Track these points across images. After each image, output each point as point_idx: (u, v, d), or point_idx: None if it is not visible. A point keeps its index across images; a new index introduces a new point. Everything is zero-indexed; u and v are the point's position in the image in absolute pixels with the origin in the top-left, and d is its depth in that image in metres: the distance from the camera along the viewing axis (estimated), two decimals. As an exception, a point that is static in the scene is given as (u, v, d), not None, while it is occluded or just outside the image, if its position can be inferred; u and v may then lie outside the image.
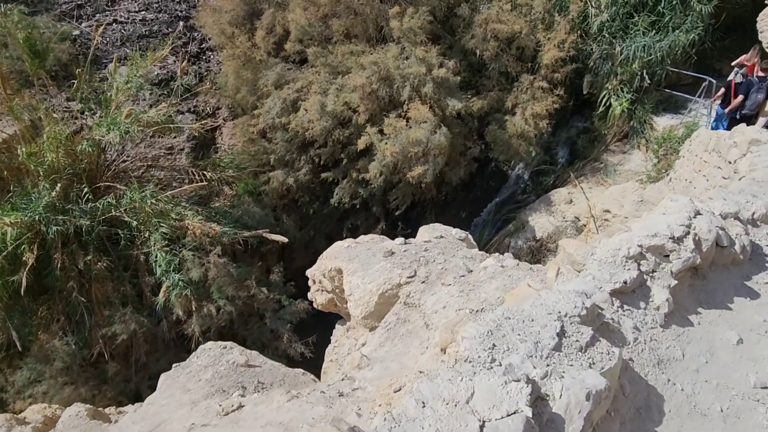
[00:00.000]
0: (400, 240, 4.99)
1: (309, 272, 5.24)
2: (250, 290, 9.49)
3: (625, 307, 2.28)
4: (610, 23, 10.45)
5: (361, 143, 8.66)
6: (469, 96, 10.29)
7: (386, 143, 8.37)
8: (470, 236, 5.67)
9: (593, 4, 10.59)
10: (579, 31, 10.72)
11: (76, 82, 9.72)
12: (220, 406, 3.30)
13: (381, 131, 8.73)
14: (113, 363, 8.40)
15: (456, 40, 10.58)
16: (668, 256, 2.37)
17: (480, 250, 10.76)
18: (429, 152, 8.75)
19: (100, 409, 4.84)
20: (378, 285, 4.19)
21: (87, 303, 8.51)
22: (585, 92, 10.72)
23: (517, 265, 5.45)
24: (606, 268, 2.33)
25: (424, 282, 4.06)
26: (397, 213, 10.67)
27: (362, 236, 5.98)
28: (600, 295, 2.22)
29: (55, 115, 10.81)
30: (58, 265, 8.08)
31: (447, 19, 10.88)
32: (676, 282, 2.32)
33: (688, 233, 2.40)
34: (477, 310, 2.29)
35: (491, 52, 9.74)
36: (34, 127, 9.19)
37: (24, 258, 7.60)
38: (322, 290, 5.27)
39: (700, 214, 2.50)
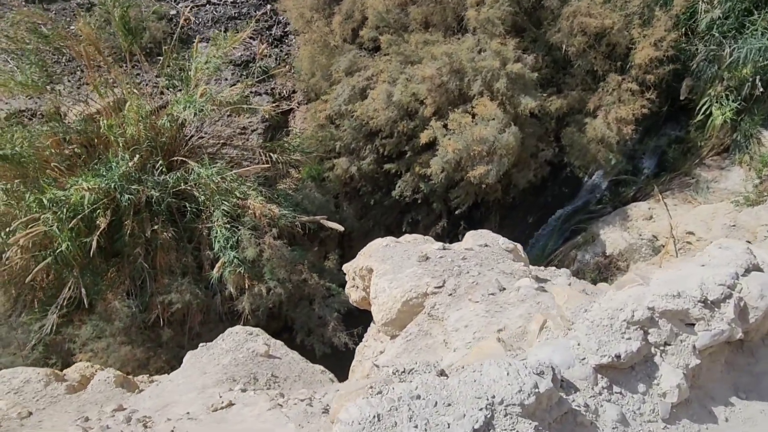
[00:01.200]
0: (439, 245, 4.68)
1: (345, 267, 5.08)
2: (302, 274, 9.57)
3: (615, 389, 1.75)
4: (723, 21, 9.26)
5: (424, 137, 8.35)
6: (548, 94, 9.61)
7: (449, 139, 7.99)
8: (520, 248, 5.23)
9: (704, -2, 9.43)
10: (683, 29, 9.63)
11: (162, 59, 10.26)
12: (221, 397, 3.24)
13: (446, 126, 8.36)
14: (168, 329, 8.82)
15: (541, 33, 9.89)
16: (693, 325, 1.83)
17: (543, 260, 10.15)
18: (495, 152, 8.26)
19: (131, 377, 5.03)
20: (403, 291, 3.93)
21: (150, 269, 9.02)
22: (682, 97, 9.62)
23: (569, 284, 4.94)
24: (597, 334, 1.83)
25: (451, 294, 3.75)
26: (457, 212, 10.26)
27: (405, 236, 5.73)
28: (579, 369, 1.73)
29: (141, 90, 11.53)
30: (128, 232, 8.61)
31: (534, 10, 10.19)
32: (698, 361, 1.79)
33: (729, 296, 1.84)
34: (404, 371, 1.87)
35: (577, 47, 8.98)
36: (121, 102, 9.79)
37: (97, 222, 8.17)
38: (356, 287, 5.09)
39: (759, 269, 1.94)
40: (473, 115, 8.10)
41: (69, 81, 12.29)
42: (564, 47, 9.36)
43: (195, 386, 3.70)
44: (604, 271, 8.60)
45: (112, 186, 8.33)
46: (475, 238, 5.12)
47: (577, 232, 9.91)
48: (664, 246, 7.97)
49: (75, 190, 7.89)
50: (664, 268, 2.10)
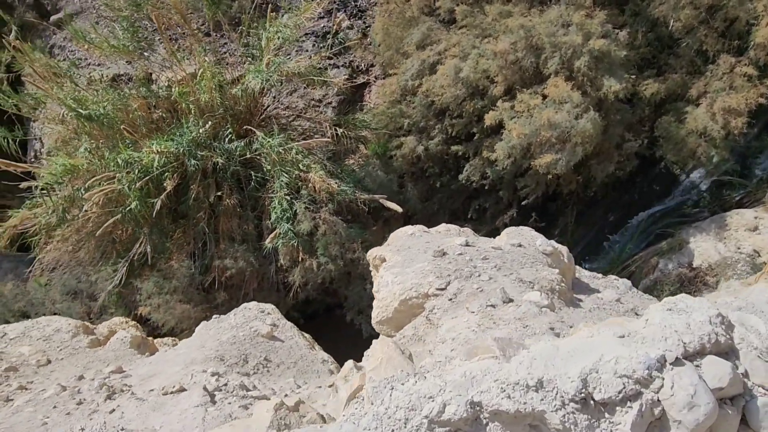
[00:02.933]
0: (463, 240, 4.20)
1: (369, 253, 4.78)
2: (355, 252, 9.42)
3: None
4: None
5: (489, 119, 7.68)
6: (646, 77, 8.41)
7: (515, 122, 7.27)
8: (564, 252, 4.57)
9: None
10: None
11: (241, 29, 10.45)
12: (189, 379, 3.13)
13: (514, 107, 7.62)
14: (224, 292, 9.16)
15: (644, 5, 8.63)
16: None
17: (619, 265, 9.08)
18: (569, 139, 7.39)
19: (150, 338, 5.18)
20: (403, 289, 3.54)
21: (213, 234, 9.39)
22: (819, 86, 7.93)
23: (617, 300, 4.27)
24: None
25: (451, 300, 3.30)
26: (523, 203, 9.47)
27: (441, 225, 5.30)
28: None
29: (226, 59, 11.88)
30: (193, 196, 8.98)
31: (641, -22, 8.92)
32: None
33: (636, 396, 1.09)
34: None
35: (684, 22, 7.71)
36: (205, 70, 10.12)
37: (165, 184, 8.59)
38: (374, 277, 4.78)
39: (718, 355, 1.18)
40: (544, 97, 7.27)
41: (165, 48, 13.06)
42: (670, 22, 8.09)
43: (185, 360, 3.67)
44: (688, 285, 7.46)
45: (181, 151, 8.68)
46: (510, 235, 4.56)
47: (663, 237, 8.72)
48: (765, 264, 6.69)
49: (146, 153, 8.32)
50: (570, 337, 1.44)
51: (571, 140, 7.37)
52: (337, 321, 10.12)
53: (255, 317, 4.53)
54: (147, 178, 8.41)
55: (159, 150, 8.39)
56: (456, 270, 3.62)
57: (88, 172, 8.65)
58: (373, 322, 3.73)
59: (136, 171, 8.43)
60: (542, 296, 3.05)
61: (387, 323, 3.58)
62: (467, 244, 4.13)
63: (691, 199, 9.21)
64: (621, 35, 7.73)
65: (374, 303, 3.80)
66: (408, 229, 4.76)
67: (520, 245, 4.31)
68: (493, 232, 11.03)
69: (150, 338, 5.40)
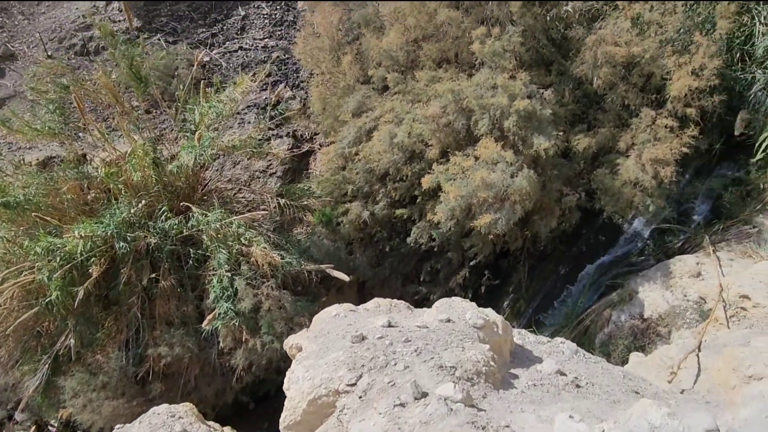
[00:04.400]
0: (385, 321, 3.88)
1: (285, 343, 4.37)
2: (302, 327, 8.92)
3: None
4: (785, 44, 7.96)
5: (426, 182, 7.60)
6: (577, 132, 8.61)
7: (451, 184, 7.19)
8: (499, 322, 4.30)
9: (762, 19, 8.19)
10: (738, 54, 8.39)
11: (176, 105, 10.31)
12: None
13: (449, 170, 7.58)
14: (161, 383, 8.42)
15: (568, 65, 8.98)
16: None
17: (574, 319, 8.89)
18: (507, 198, 7.34)
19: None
20: (312, 386, 3.16)
21: (148, 319, 8.74)
22: (738, 133, 8.27)
23: (558, 372, 3.99)
24: None
25: (361, 397, 2.93)
26: (478, 262, 9.31)
27: (374, 300, 4.98)
28: None
29: (166, 136, 11.66)
30: (123, 280, 8.40)
31: (564, 40, 9.34)
32: None
33: None
34: None
35: (604, 80, 7.99)
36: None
37: (90, 271, 8.03)
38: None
39: None
40: (476, 158, 7.27)
41: (98, 129, 12.81)
42: (592, 79, 8.39)
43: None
44: (641, 337, 7.28)
45: (109, 233, 8.20)
46: (440, 309, 4.27)
47: (614, 287, 8.63)
48: (711, 311, 6.59)
49: (69, 239, 7.81)
50: None
51: (509, 199, 7.31)
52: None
53: (162, 424, 4.01)
54: (70, 265, 7.84)
55: (83, 234, 7.88)
56: (372, 359, 3.27)
57: (3, 263, 8.02)
58: (281, 426, 3.29)
59: (58, 259, 7.86)
60: (456, 389, 2.72)
61: (296, 428, 3.15)
62: (390, 325, 3.81)
63: (636, 247, 9.25)
64: (547, 94, 7.93)
65: (285, 403, 3.38)
66: (332, 309, 4.41)
67: (449, 320, 4.02)
68: (448, 293, 10.79)
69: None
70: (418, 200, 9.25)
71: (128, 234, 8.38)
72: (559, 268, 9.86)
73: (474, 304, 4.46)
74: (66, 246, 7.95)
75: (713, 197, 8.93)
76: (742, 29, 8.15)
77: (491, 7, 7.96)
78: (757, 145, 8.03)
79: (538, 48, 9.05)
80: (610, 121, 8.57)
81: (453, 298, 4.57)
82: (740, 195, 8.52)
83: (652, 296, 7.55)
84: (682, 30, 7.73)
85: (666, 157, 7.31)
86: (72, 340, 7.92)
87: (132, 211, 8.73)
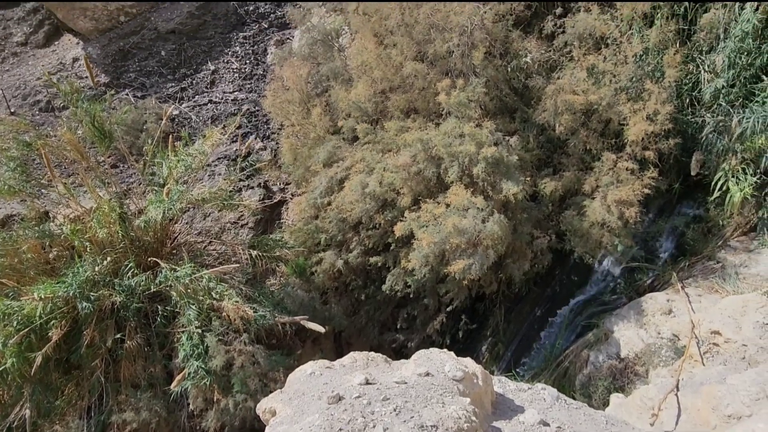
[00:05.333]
0: (362, 378, 3.76)
1: (258, 407, 4.18)
2: (277, 383, 8.60)
3: None
4: (728, 89, 8.49)
5: (398, 230, 7.62)
6: (542, 175, 8.86)
7: (424, 231, 7.23)
8: (479, 372, 4.24)
9: (706, 67, 8.75)
10: (687, 99, 8.90)
11: (143, 159, 10.21)
12: None
13: (420, 217, 7.64)
14: (124, 453, 7.90)
15: (531, 112, 9.34)
16: None
17: (552, 361, 8.85)
18: (479, 243, 7.40)
19: None
20: (288, 455, 3.00)
21: (112, 383, 8.29)
22: (694, 173, 8.66)
23: (542, 423, 3.90)
24: None
25: (339, 466, 2.79)
26: (455, 307, 9.26)
27: (348, 356, 4.83)
28: None
29: (134, 190, 11.48)
30: (86, 342, 8.00)
31: (526, 89, 9.74)
32: None
33: None
34: None
35: (565, 126, 8.32)
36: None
37: (49, 334, 7.63)
38: (273, 429, 4.14)
39: None
40: (447, 205, 7.36)
41: (62, 184, 12.52)
42: (555, 126, 8.73)
43: None
44: (620, 377, 7.27)
45: (71, 294, 7.85)
46: (418, 363, 4.19)
47: (590, 327, 8.68)
48: (686, 348, 6.67)
49: (27, 301, 7.43)
50: None
51: (482, 243, 7.38)
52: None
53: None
54: (28, 329, 7.43)
55: (43, 296, 7.52)
56: (349, 421, 3.15)
57: (-43, 330, 7.53)
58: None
59: (15, 323, 7.45)
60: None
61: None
62: (367, 382, 3.70)
63: (608, 287, 9.39)
64: (512, 141, 8.19)
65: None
66: (308, 367, 4.27)
67: (428, 374, 3.93)
68: (426, 340, 10.65)
69: None
70: (391, 247, 9.24)
71: (92, 293, 8.05)
72: (535, 310, 9.90)
73: (453, 354, 4.39)
74: (24, 309, 7.56)
75: (677, 234, 9.23)
76: (688, 77, 8.68)
77: (454, 60, 8.29)
78: (713, 184, 8.40)
79: (502, 97, 9.41)
80: (574, 164, 8.87)
81: (431, 349, 4.49)
82: (702, 232, 8.83)
83: (627, 335, 7.61)
84: (634, 78, 8.18)
85: (629, 198, 7.56)
86: (28, 411, 7.41)
87: (96, 269, 8.43)
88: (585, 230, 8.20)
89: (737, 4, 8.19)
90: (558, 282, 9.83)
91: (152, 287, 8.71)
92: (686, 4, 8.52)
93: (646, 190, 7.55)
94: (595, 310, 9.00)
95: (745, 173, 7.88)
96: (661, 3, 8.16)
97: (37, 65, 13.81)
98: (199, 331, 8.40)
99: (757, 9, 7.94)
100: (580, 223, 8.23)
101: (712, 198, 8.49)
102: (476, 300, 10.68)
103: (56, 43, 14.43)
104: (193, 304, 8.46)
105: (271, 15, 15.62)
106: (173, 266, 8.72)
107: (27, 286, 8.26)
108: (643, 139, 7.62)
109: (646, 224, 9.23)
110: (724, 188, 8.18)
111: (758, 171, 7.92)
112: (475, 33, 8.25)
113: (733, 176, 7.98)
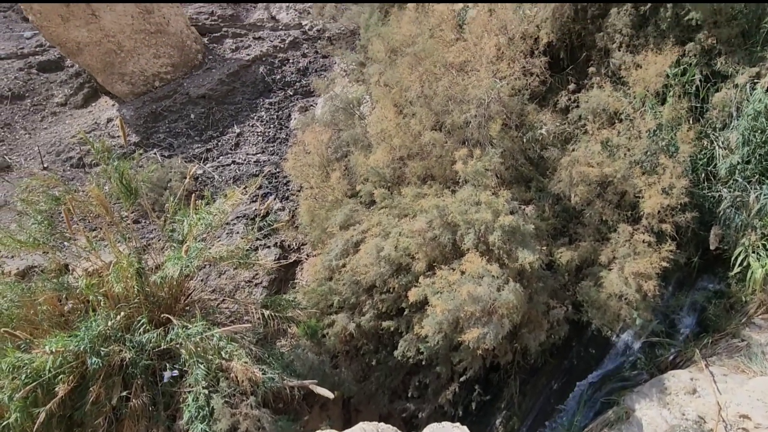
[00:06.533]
0: (373, 450, 3.63)
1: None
2: (282, 452, 8.28)
3: None
4: (744, 166, 8.56)
5: (412, 296, 7.58)
6: (557, 245, 8.84)
7: (438, 298, 7.17)
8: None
9: (721, 143, 8.88)
10: (703, 174, 8.97)
11: (165, 217, 10.47)
12: None
13: (435, 283, 7.61)
14: None
15: (546, 182, 9.47)
16: None
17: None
18: (494, 311, 7.30)
19: None
20: None
21: (113, 443, 8.05)
22: (713, 247, 8.57)
23: None
24: None
25: None
26: (462, 378, 8.99)
27: (359, 426, 4.71)
28: None
29: (153, 245, 11.68)
30: (91, 399, 7.87)
31: (541, 159, 9.94)
32: None
33: None
34: None
35: (581, 197, 8.39)
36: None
37: (56, 389, 7.53)
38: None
39: None
40: (462, 272, 7.35)
41: (89, 237, 12.81)
42: (569, 196, 8.82)
43: None
44: (643, 462, 6.86)
45: (82, 348, 7.83)
46: (430, 436, 4.03)
47: (610, 404, 8.30)
48: (712, 431, 6.33)
49: (38, 354, 7.42)
50: None
51: (497, 312, 7.28)
52: None
53: None
54: (35, 383, 7.36)
55: (54, 350, 7.51)
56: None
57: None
58: None
59: (23, 376, 7.39)
60: None
61: None
62: (378, 456, 3.56)
63: (628, 361, 9.07)
64: (528, 210, 8.26)
65: None
66: (317, 436, 4.13)
67: (440, 449, 3.78)
68: (437, 410, 10.26)
69: None
70: (405, 313, 9.13)
71: (102, 348, 8.02)
72: (552, 383, 9.53)
73: (466, 429, 4.23)
74: (34, 362, 7.54)
75: (698, 309, 8.99)
76: (703, 152, 8.80)
77: (471, 130, 8.56)
78: (733, 259, 8.28)
79: (518, 166, 9.60)
80: (590, 235, 8.85)
81: (443, 423, 4.36)
82: (724, 308, 8.60)
83: (649, 414, 7.25)
84: (648, 152, 8.32)
85: (647, 271, 7.47)
86: (25, 471, 7.18)
87: (110, 323, 8.45)
88: (602, 302, 8.05)
89: (748, 84, 8.44)
90: (575, 354, 9.53)
91: (163, 344, 8.66)
92: (697, 83, 8.81)
93: (664, 263, 7.46)
94: (614, 386, 8.64)
95: (766, 249, 7.77)
96: (672, 82, 8.44)
97: (73, 124, 14.56)
98: (206, 392, 8.24)
99: None
100: (597, 295, 8.10)
101: (733, 273, 8.34)
102: (490, 370, 10.36)
103: (93, 104, 15.28)
104: (202, 363, 8.36)
105: (297, 83, 16.44)
106: (185, 323, 8.72)
107: (39, 339, 8.29)
108: (659, 212, 7.63)
109: (665, 298, 9.03)
110: (745, 264, 8.05)
111: (779, 247, 7.81)
112: (492, 105, 8.58)
113: (753, 252, 7.87)
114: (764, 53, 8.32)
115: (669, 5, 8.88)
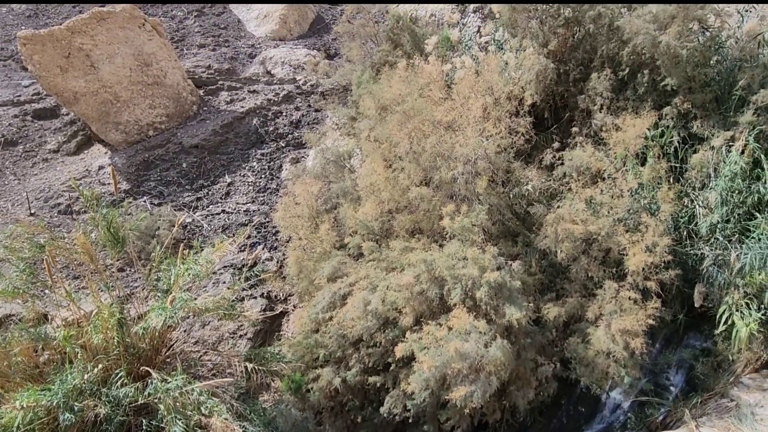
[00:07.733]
0: None
1: None
2: None
3: None
4: (724, 225, 8.77)
5: (399, 350, 7.47)
6: (545, 300, 8.86)
7: (425, 354, 7.08)
8: None
9: (701, 203, 9.13)
10: (685, 232, 9.16)
11: (149, 266, 10.36)
12: None
13: (422, 339, 7.53)
14: None
15: (533, 237, 9.59)
16: None
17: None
18: (482, 369, 7.21)
19: None
20: None
21: (80, 508, 7.60)
22: (697, 305, 8.64)
23: None
24: None
25: None
26: (456, 435, 8.72)
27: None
28: None
29: (136, 295, 11.48)
30: (61, 459, 7.49)
31: (528, 214, 10.11)
32: None
33: None
34: None
35: (566, 253, 8.49)
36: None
37: (24, 448, 7.18)
38: None
39: None
40: (449, 328, 7.30)
41: (70, 286, 12.57)
42: (555, 252, 8.92)
43: None
44: None
45: (54, 403, 7.53)
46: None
47: (601, 468, 8.07)
48: (706, 500, 6.15)
49: (6, 410, 7.11)
50: None
51: (484, 369, 7.18)
52: None
53: None
54: (1, 442, 7.02)
55: (25, 405, 7.21)
56: None
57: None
58: None
59: (-9, 434, 7.06)
60: None
61: None
62: None
63: (618, 421, 8.90)
64: (515, 265, 8.31)
65: None
66: (297, 503, 3.95)
67: None
68: (424, 472, 9.84)
69: None
70: (391, 368, 8.96)
71: (76, 403, 7.72)
72: (541, 444, 9.28)
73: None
74: (2, 418, 7.22)
75: (686, 368, 8.94)
76: (684, 210, 9.03)
77: (459, 186, 8.74)
78: (717, 317, 8.34)
79: (504, 221, 9.75)
80: (577, 290, 8.90)
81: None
82: (712, 366, 8.56)
83: (642, 480, 7.05)
84: (631, 210, 8.52)
85: (634, 328, 7.48)
86: None
87: (86, 376, 8.18)
88: (590, 359, 7.99)
89: (724, 147, 8.79)
90: (564, 413, 9.34)
91: (140, 399, 8.36)
92: (676, 144, 9.16)
93: (651, 321, 7.49)
94: (606, 448, 8.44)
95: (749, 308, 7.85)
96: (651, 144, 8.77)
97: (64, 171, 14.61)
98: (185, 450, 7.90)
99: (742, 152, 8.50)
100: (585, 352, 8.05)
101: (719, 331, 8.36)
102: (478, 428, 10.07)
103: (86, 151, 15.41)
104: (180, 420, 8.05)
105: (289, 135, 16.78)
106: (165, 376, 8.46)
107: (11, 392, 7.97)
108: (643, 269, 7.73)
109: (653, 355, 8.99)
110: (729, 321, 8.09)
111: (762, 306, 7.89)
112: (479, 162, 8.81)
113: (737, 310, 7.94)
114: (736, 118, 8.72)
115: (646, 71, 9.37)
